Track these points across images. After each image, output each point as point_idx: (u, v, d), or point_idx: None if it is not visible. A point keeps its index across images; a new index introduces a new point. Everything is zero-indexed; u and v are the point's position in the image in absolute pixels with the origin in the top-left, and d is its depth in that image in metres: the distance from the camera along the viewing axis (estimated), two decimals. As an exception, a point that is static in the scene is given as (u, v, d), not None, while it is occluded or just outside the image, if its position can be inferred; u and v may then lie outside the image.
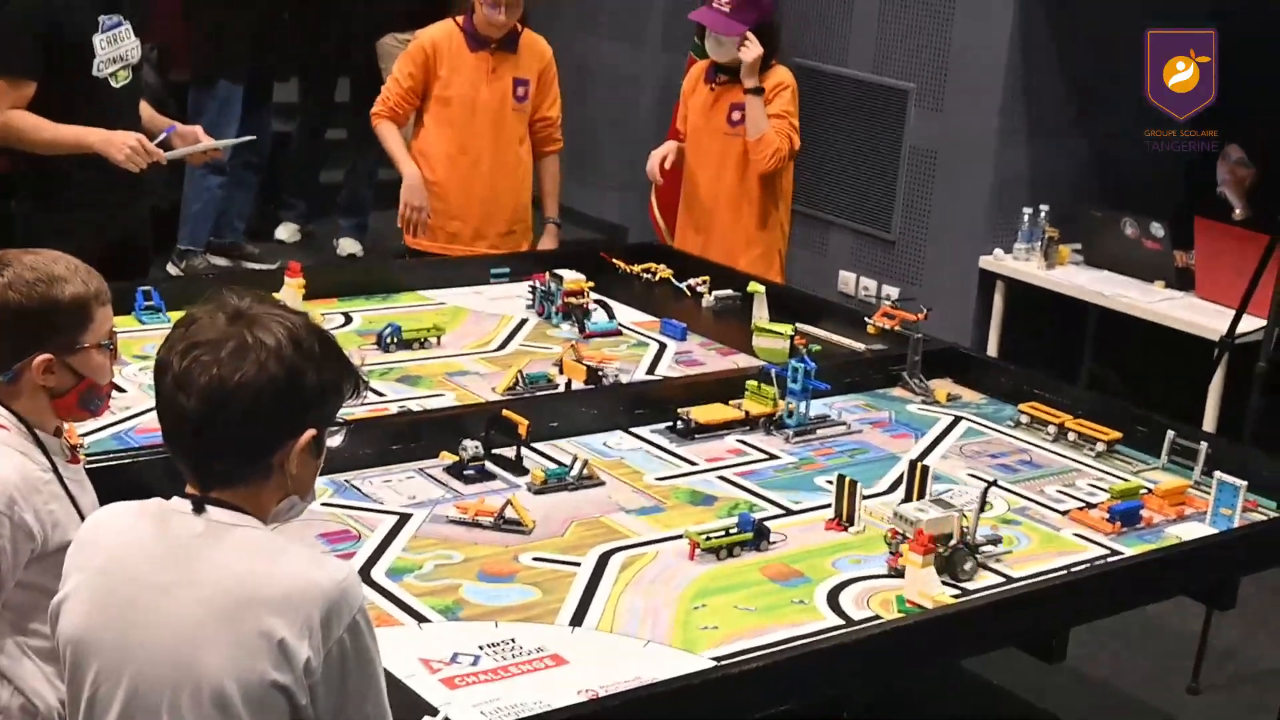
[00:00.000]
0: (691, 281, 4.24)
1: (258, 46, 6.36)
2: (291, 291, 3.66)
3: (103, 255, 3.76)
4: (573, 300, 3.82)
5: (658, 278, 4.34)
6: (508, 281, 4.12)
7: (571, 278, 3.85)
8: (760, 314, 3.76)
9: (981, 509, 2.59)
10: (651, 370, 3.54)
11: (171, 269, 6.36)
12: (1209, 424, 4.57)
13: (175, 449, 1.74)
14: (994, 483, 2.83)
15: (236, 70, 6.25)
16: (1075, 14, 5.45)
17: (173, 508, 1.74)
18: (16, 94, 3.64)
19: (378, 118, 4.58)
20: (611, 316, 3.82)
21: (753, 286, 3.76)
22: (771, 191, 4.57)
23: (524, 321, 3.86)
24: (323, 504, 2.64)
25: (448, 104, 4.52)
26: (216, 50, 6.24)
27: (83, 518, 2.04)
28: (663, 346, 3.74)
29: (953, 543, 2.50)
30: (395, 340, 3.50)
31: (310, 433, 1.73)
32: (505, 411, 2.91)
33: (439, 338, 3.57)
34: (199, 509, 1.72)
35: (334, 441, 1.82)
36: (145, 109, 3.94)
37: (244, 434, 1.70)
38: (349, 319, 3.78)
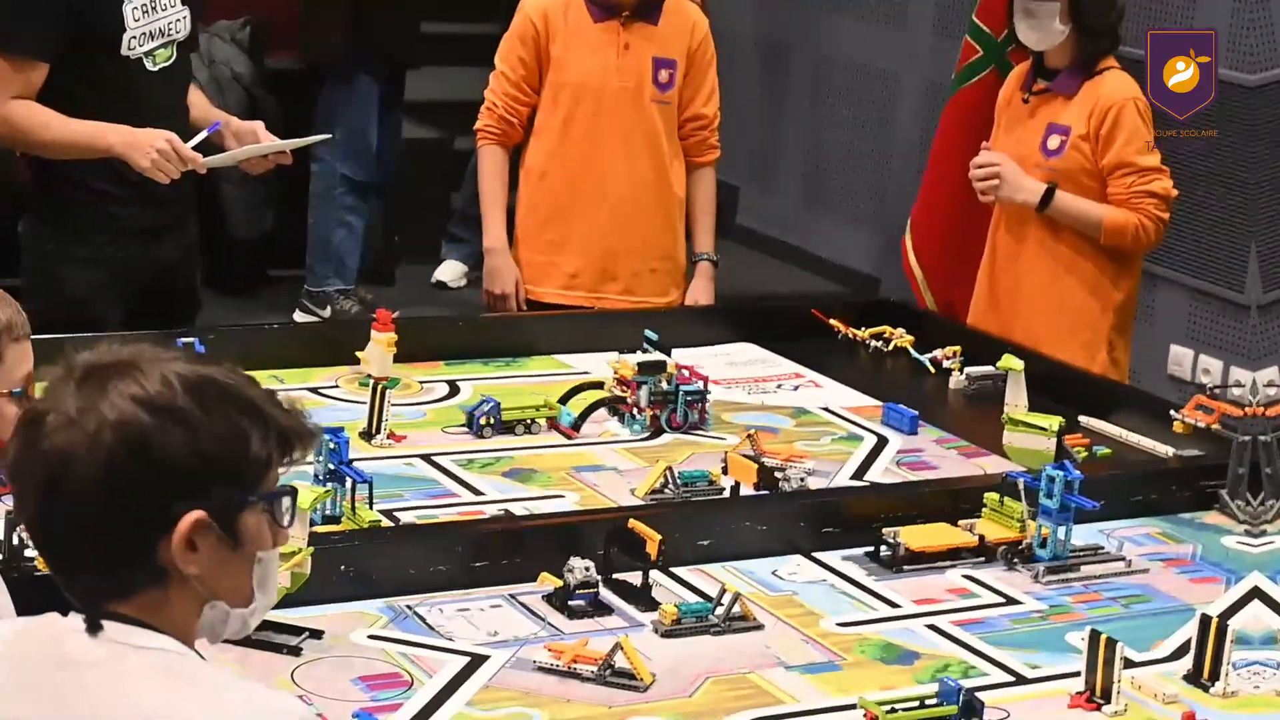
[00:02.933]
0: (936, 354, 4.22)
1: (397, 29, 6.53)
2: (379, 350, 3.76)
3: (133, 295, 4.00)
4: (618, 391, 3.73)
5: (892, 346, 4.32)
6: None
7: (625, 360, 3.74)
8: (1016, 400, 3.70)
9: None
10: (860, 475, 3.52)
11: (300, 317, 6.59)
12: None
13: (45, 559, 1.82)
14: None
15: (377, 60, 6.42)
16: None
17: (68, 627, 1.79)
18: (22, 79, 3.81)
19: (483, 138, 4.64)
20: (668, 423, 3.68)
21: (1007, 361, 3.71)
22: (1113, 251, 4.39)
23: (695, 401, 3.88)
24: (369, 636, 2.68)
25: (562, 95, 4.55)
26: (354, 30, 6.41)
27: None
28: (883, 441, 3.71)
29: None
30: (492, 422, 3.55)
31: (191, 516, 1.76)
32: (633, 522, 2.92)
33: (550, 420, 3.60)
34: (94, 627, 1.76)
35: (283, 517, 1.84)
36: (198, 100, 4.09)
37: (90, 532, 1.74)
38: (455, 389, 3.86)
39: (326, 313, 6.56)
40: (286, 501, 1.86)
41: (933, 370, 4.20)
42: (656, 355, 3.74)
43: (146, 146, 3.77)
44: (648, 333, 3.77)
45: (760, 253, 7.95)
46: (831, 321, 4.41)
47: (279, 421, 1.83)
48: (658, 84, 4.56)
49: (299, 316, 6.61)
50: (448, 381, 3.90)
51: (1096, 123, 4.27)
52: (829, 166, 7.60)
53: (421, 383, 3.86)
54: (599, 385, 3.76)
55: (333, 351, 3.89)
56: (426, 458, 3.43)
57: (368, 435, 3.48)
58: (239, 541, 1.82)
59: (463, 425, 3.57)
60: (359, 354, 3.78)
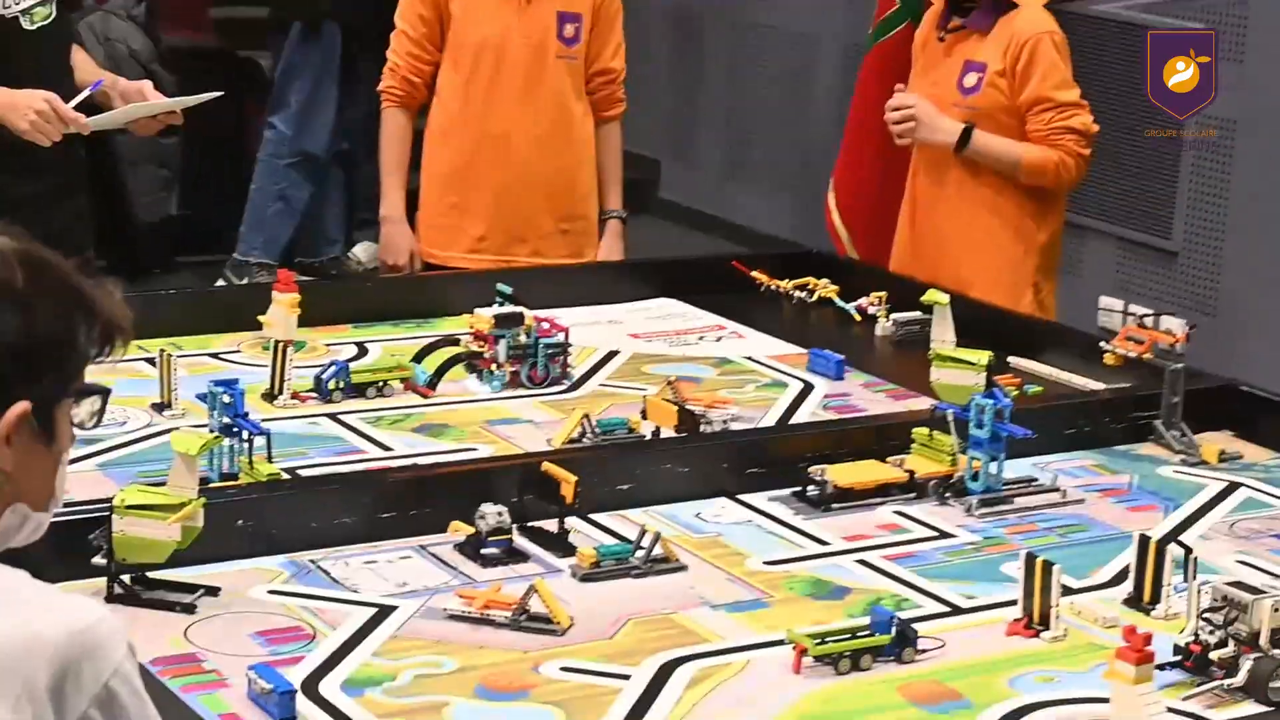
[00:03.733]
0: (861, 301, 4.11)
1: None
2: (282, 311, 3.62)
3: None
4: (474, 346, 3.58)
5: (816, 297, 4.22)
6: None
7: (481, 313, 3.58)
8: (943, 336, 3.59)
9: None
10: (786, 420, 3.41)
11: (223, 284, 6.45)
12: None
13: None
14: None
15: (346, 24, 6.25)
16: None
17: None
18: None
19: (386, 100, 4.51)
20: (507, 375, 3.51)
21: (931, 295, 3.60)
22: (1035, 192, 4.27)
23: (612, 354, 3.77)
24: (269, 592, 2.55)
25: (463, 53, 4.40)
26: None
27: None
28: (809, 387, 3.61)
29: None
30: (341, 385, 3.38)
31: (20, 406, 1.63)
32: (546, 465, 2.80)
33: (407, 380, 3.45)
34: None
35: (80, 418, 1.71)
36: (83, 61, 3.93)
37: None
38: (364, 351, 3.72)
39: (245, 284, 6.41)
40: (98, 401, 1.74)
41: (859, 318, 4.10)
42: (512, 308, 3.59)
43: (24, 108, 3.60)
44: (500, 286, 3.63)
45: (685, 226, 7.85)
46: (754, 274, 4.29)
47: (105, 312, 1.70)
48: (563, 39, 4.42)
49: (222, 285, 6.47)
50: (356, 343, 3.77)
51: (1013, 58, 4.16)
52: (749, 135, 7.51)
53: (328, 345, 3.72)
54: (455, 341, 3.62)
55: (235, 317, 3.75)
56: (333, 416, 3.30)
57: (270, 396, 3.34)
58: (52, 438, 1.69)
59: (312, 390, 3.40)
60: (261, 318, 3.64)
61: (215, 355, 3.64)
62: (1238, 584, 2.41)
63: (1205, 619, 2.39)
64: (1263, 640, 2.35)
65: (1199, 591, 2.43)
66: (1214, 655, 2.36)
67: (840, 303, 4.17)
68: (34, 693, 1.56)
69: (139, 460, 3.01)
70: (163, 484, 2.53)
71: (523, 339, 3.54)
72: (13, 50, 3.72)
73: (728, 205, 7.80)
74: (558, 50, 4.43)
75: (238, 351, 3.66)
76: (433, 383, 3.47)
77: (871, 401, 3.56)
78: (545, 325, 3.58)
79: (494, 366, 3.51)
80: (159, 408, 3.26)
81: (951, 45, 4.28)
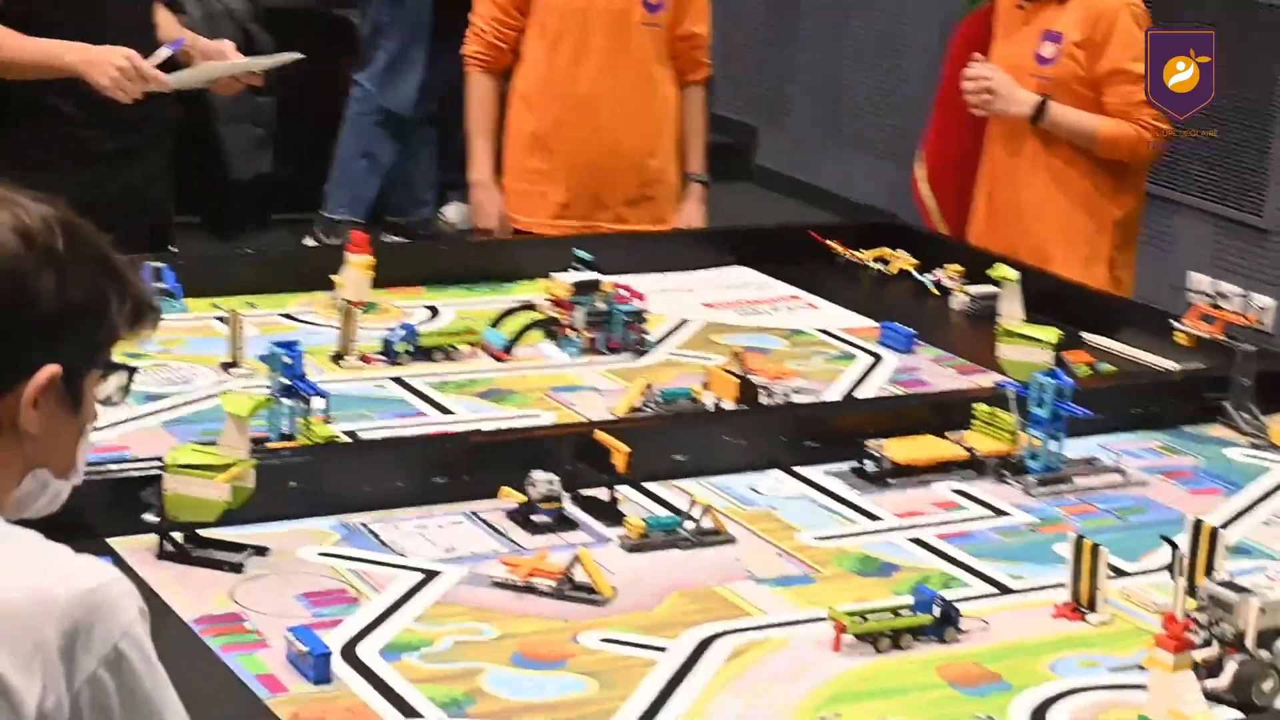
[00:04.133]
0: (938, 274, 4.08)
1: None
2: (355, 272, 3.64)
3: (100, 220, 3.86)
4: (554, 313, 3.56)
5: (894, 269, 4.19)
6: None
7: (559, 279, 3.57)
8: (1011, 311, 3.56)
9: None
10: (851, 393, 3.39)
11: (311, 242, 6.48)
12: None
13: None
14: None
15: None
16: None
17: None
18: None
19: (471, 66, 4.51)
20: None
21: (999, 270, 3.56)
22: (1111, 166, 4.24)
23: (683, 323, 3.76)
24: (319, 554, 2.57)
25: (549, 19, 4.40)
26: None
27: None
28: (877, 360, 3.59)
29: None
30: (410, 349, 3.39)
31: (50, 369, 1.65)
32: (599, 434, 2.80)
33: (475, 345, 3.46)
34: None
35: (107, 393, 1.73)
36: (164, 20, 3.96)
37: None
38: (435, 314, 3.74)
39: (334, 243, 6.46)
40: (125, 377, 1.76)
41: (936, 292, 4.07)
42: (590, 274, 3.58)
43: (106, 64, 3.63)
44: (578, 251, 3.63)
45: (780, 193, 7.82)
46: (830, 244, 4.27)
47: (135, 289, 1.73)
48: (647, 5, 4.41)
49: (309, 244, 6.50)
50: (428, 306, 3.78)
51: (1090, 29, 4.11)
52: (845, 102, 7.46)
53: (400, 307, 3.74)
54: (531, 307, 3.62)
55: (311, 277, 3.77)
56: (398, 379, 3.31)
57: (337, 358, 3.36)
58: (78, 407, 1.71)
59: (380, 353, 3.40)
60: (334, 278, 3.66)
61: (288, 315, 3.66)
62: (1227, 584, 2.34)
63: (1193, 619, 2.31)
64: (1249, 642, 2.28)
65: (1183, 592, 2.34)
66: (1198, 656, 2.25)
67: (917, 275, 4.14)
68: (46, 654, 1.56)
69: (203, 419, 3.03)
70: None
71: (600, 306, 3.54)
72: (95, 8, 3.76)
73: (823, 173, 7.76)
74: (642, 16, 4.42)
75: (311, 312, 3.68)
76: (508, 347, 3.48)
77: (940, 376, 3.53)
78: (623, 292, 3.58)
79: (570, 332, 3.51)
80: (227, 366, 3.29)
81: (1031, 14, 4.24)
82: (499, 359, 3.44)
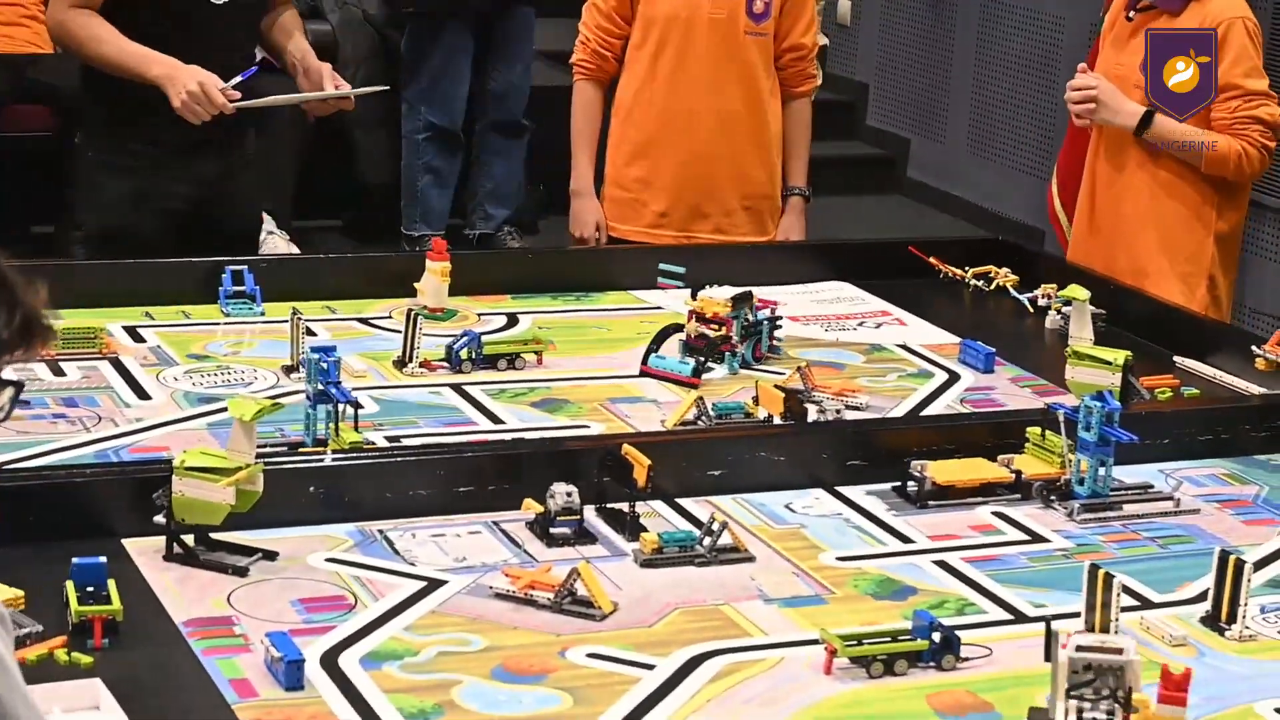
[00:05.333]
0: (1035, 292, 4.00)
1: None
2: (434, 280, 3.65)
3: (175, 208, 3.94)
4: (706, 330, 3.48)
5: (994, 285, 4.11)
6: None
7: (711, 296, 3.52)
8: (1081, 333, 3.46)
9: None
10: (917, 412, 3.33)
11: None
12: None
13: None
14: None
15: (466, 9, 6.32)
16: None
17: None
18: None
19: (577, 73, 4.51)
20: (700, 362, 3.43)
21: (1071, 290, 3.47)
22: (1215, 181, 4.12)
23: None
24: (327, 559, 2.57)
25: (652, 27, 4.38)
26: None
27: None
28: (954, 379, 3.51)
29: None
30: (472, 356, 3.39)
31: None
32: (626, 447, 2.76)
33: (540, 355, 3.44)
34: None
35: None
36: (295, 43, 4.02)
37: None
38: (514, 321, 3.73)
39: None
40: (10, 393, 1.69)
41: (1032, 310, 3.98)
42: (734, 289, 3.55)
43: (180, 85, 3.73)
44: (664, 265, 3.59)
45: (929, 205, 7.73)
46: (931, 260, 4.19)
47: (27, 306, 1.66)
48: (751, 15, 4.37)
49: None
50: (507, 314, 3.77)
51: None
52: (996, 116, 7.35)
53: (480, 315, 3.74)
54: (679, 328, 3.55)
55: (393, 284, 3.78)
56: (456, 386, 3.31)
57: (400, 364, 3.37)
58: None
59: (444, 360, 3.39)
60: (416, 285, 3.68)
61: (364, 320, 3.67)
62: (1094, 648, 2.13)
63: (1075, 697, 2.11)
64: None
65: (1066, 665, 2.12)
66: None
67: (1015, 293, 4.06)
68: None
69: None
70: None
71: (749, 318, 3.51)
72: (196, 21, 3.84)
73: (974, 186, 7.64)
74: (746, 26, 4.38)
75: (388, 317, 3.69)
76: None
77: (1014, 397, 3.45)
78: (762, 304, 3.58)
79: (734, 349, 3.48)
80: (288, 370, 3.30)
81: (1140, 25, 4.13)
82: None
